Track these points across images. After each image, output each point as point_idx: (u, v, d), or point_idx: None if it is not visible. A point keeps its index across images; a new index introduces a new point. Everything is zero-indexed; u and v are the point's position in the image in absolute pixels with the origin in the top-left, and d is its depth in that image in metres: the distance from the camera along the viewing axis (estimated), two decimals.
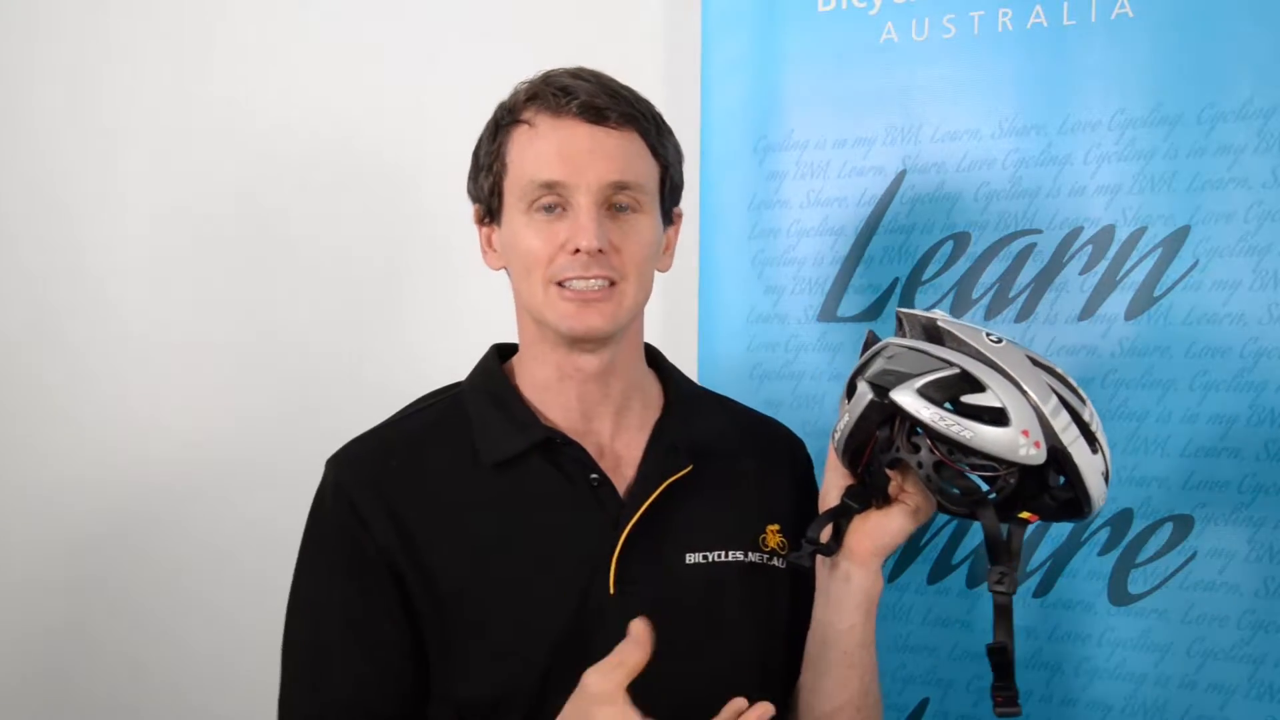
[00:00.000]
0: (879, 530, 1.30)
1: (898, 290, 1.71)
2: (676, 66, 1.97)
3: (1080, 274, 1.61)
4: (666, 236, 1.36)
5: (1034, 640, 1.63)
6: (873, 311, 1.72)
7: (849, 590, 1.31)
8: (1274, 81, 1.50)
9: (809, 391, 1.77)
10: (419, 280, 2.24)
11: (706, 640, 1.28)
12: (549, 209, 1.26)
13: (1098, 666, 1.61)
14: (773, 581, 1.35)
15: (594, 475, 1.29)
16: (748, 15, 1.80)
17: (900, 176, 1.71)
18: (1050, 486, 1.21)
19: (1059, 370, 1.23)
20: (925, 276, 1.69)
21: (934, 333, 1.25)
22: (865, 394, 1.24)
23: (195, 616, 2.37)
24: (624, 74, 1.32)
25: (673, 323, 1.88)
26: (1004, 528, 1.23)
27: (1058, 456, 1.18)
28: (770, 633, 1.36)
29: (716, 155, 1.82)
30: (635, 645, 1.08)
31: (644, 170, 1.29)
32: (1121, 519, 1.59)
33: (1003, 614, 1.23)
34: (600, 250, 1.23)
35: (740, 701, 1.12)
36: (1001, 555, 1.22)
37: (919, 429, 1.22)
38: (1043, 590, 1.64)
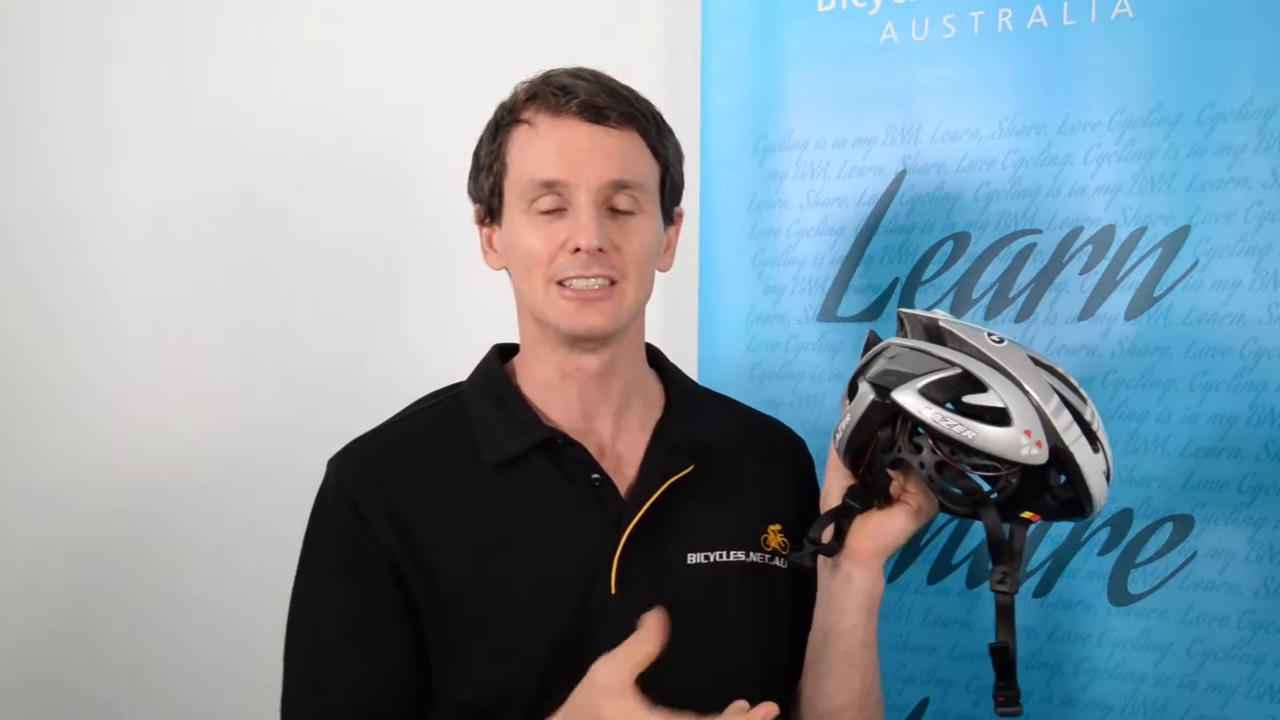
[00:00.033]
0: (881, 530, 1.29)
1: (898, 290, 1.71)
2: (676, 66, 1.97)
3: (1080, 274, 1.61)
4: (667, 236, 1.36)
5: (1034, 640, 1.63)
6: (873, 311, 1.72)
7: (851, 590, 1.31)
8: (1274, 81, 1.50)
9: (809, 391, 1.77)
10: (419, 280, 2.24)
11: (708, 640, 1.28)
12: (549, 208, 1.26)
13: (1098, 666, 1.61)
14: (774, 581, 1.35)
15: (595, 475, 1.29)
16: (748, 15, 1.80)
17: (900, 176, 1.71)
18: (1052, 486, 1.21)
19: (1060, 370, 1.22)
20: (925, 276, 1.69)
21: (935, 333, 1.25)
22: (867, 394, 1.24)
23: (195, 617, 2.37)
24: (624, 74, 1.32)
25: (673, 323, 1.88)
26: (1006, 528, 1.23)
27: (1059, 456, 1.18)
28: (772, 633, 1.36)
29: (716, 155, 1.82)
30: (647, 637, 1.08)
31: (644, 169, 1.28)
32: (1121, 519, 1.59)
33: (1005, 614, 1.23)
34: (600, 249, 1.23)
35: (742, 704, 1.13)
36: (1004, 555, 1.22)
37: (921, 429, 1.22)
38: (1043, 590, 1.64)
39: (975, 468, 1.21)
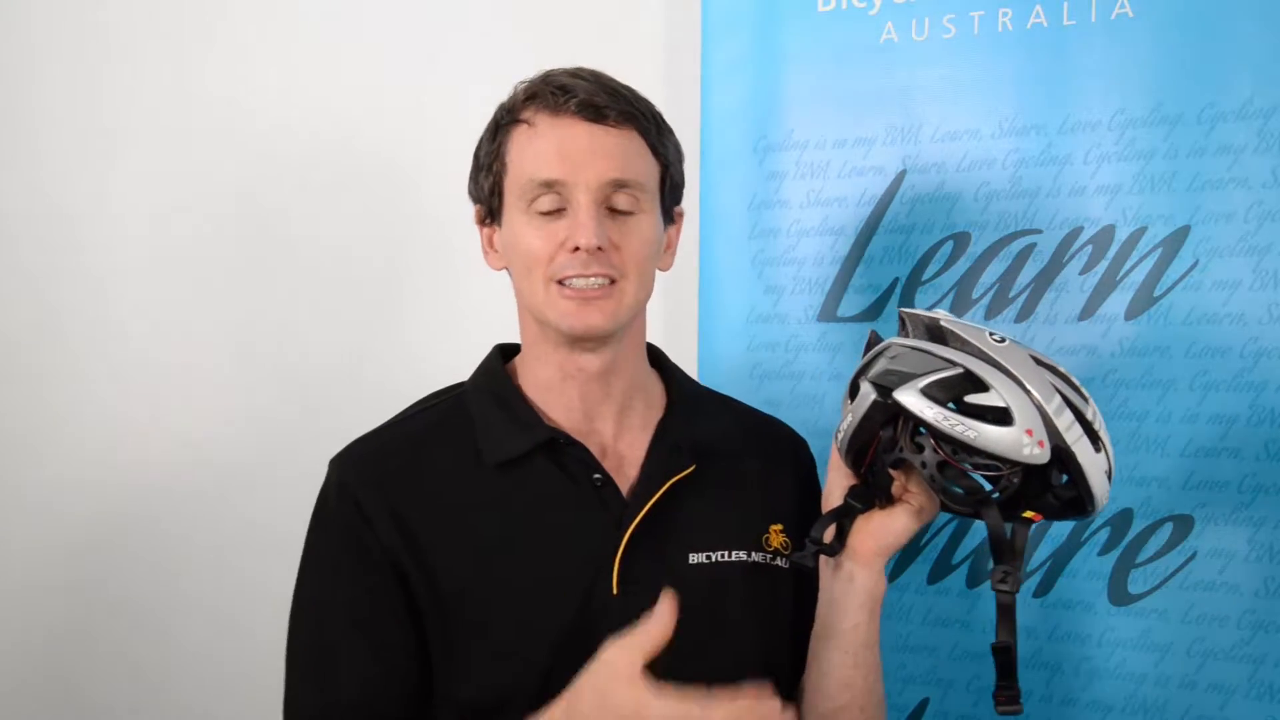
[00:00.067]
0: (882, 530, 1.29)
1: (898, 290, 1.71)
2: (676, 66, 1.97)
3: (1080, 274, 1.61)
4: (668, 235, 1.36)
5: (1034, 640, 1.63)
6: (873, 311, 1.72)
7: (852, 590, 1.31)
8: (1274, 81, 1.50)
9: (809, 391, 1.77)
10: (419, 280, 2.24)
11: (710, 640, 1.27)
12: (549, 208, 1.26)
13: (1098, 666, 1.61)
14: (776, 581, 1.35)
15: (597, 475, 1.29)
16: (748, 15, 1.80)
17: (900, 176, 1.71)
18: (1054, 485, 1.21)
19: (1062, 369, 1.22)
20: (925, 276, 1.69)
21: (937, 332, 1.25)
22: (868, 394, 1.24)
23: (195, 618, 2.37)
24: (624, 74, 1.32)
25: (673, 323, 1.88)
26: (1008, 527, 1.23)
27: (1061, 455, 1.18)
28: (774, 633, 1.36)
29: (716, 155, 1.82)
30: (657, 621, 1.08)
31: (643, 168, 1.28)
32: (1121, 519, 1.59)
33: (1006, 613, 1.23)
34: (600, 248, 1.23)
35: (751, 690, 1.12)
36: (1005, 555, 1.22)
37: (922, 429, 1.22)
38: (1043, 590, 1.64)
39: (977, 467, 1.21)
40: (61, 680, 2.44)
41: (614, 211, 1.26)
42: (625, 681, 1.07)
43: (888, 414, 1.24)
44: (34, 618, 2.45)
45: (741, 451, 1.38)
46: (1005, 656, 1.23)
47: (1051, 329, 1.62)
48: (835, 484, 1.33)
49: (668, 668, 1.09)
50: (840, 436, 1.30)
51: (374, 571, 1.25)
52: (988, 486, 1.23)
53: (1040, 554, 1.64)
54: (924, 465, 1.23)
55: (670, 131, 1.34)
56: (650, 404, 1.37)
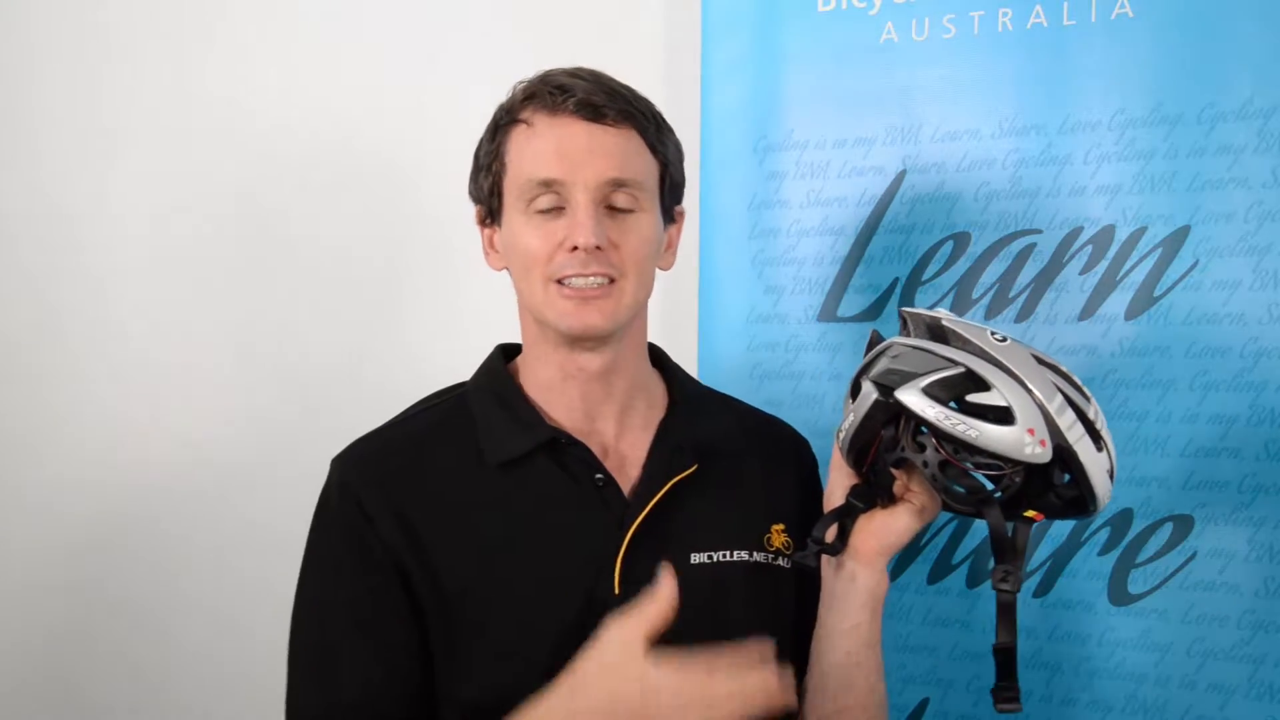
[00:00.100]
0: (884, 529, 1.30)
1: (898, 290, 1.71)
2: (676, 66, 1.97)
3: (1080, 274, 1.61)
4: (668, 234, 1.36)
5: (1034, 640, 1.63)
6: (873, 311, 1.72)
7: (854, 590, 1.31)
8: (1274, 81, 1.51)
9: (809, 391, 1.77)
10: (419, 280, 2.24)
11: (711, 640, 1.28)
12: (547, 207, 1.26)
13: (1098, 666, 1.61)
14: (778, 581, 1.35)
15: (599, 475, 1.29)
16: (748, 15, 1.80)
17: (900, 176, 1.71)
18: (1055, 485, 1.21)
19: (1063, 368, 1.22)
20: (925, 276, 1.70)
21: (938, 332, 1.25)
22: (870, 393, 1.24)
23: (195, 618, 2.37)
24: (624, 74, 1.32)
25: (673, 323, 1.88)
26: (1009, 526, 1.23)
27: (1063, 455, 1.18)
28: (775, 633, 1.35)
29: (716, 155, 1.82)
30: (658, 596, 1.09)
31: (642, 167, 1.28)
32: (1121, 519, 1.59)
33: (1006, 612, 1.23)
34: (598, 247, 1.23)
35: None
36: (1006, 554, 1.22)
37: (924, 428, 1.22)
38: (1043, 590, 1.64)
39: (979, 466, 1.21)
40: (62, 680, 2.44)
41: (613, 211, 1.26)
42: (628, 659, 1.08)
43: (889, 413, 1.24)
44: (34, 618, 2.45)
45: (743, 451, 1.38)
46: (1005, 657, 1.23)
47: (1051, 329, 1.62)
48: (837, 483, 1.34)
49: None
50: (842, 436, 1.30)
51: (376, 571, 1.25)
52: (989, 486, 1.23)
53: (1040, 554, 1.64)
54: (926, 464, 1.23)
55: (670, 130, 1.34)
56: (652, 404, 1.37)
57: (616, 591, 1.26)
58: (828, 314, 1.76)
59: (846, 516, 1.31)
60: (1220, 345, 1.54)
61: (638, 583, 1.24)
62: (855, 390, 1.28)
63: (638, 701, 1.09)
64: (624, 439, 1.34)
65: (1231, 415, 1.54)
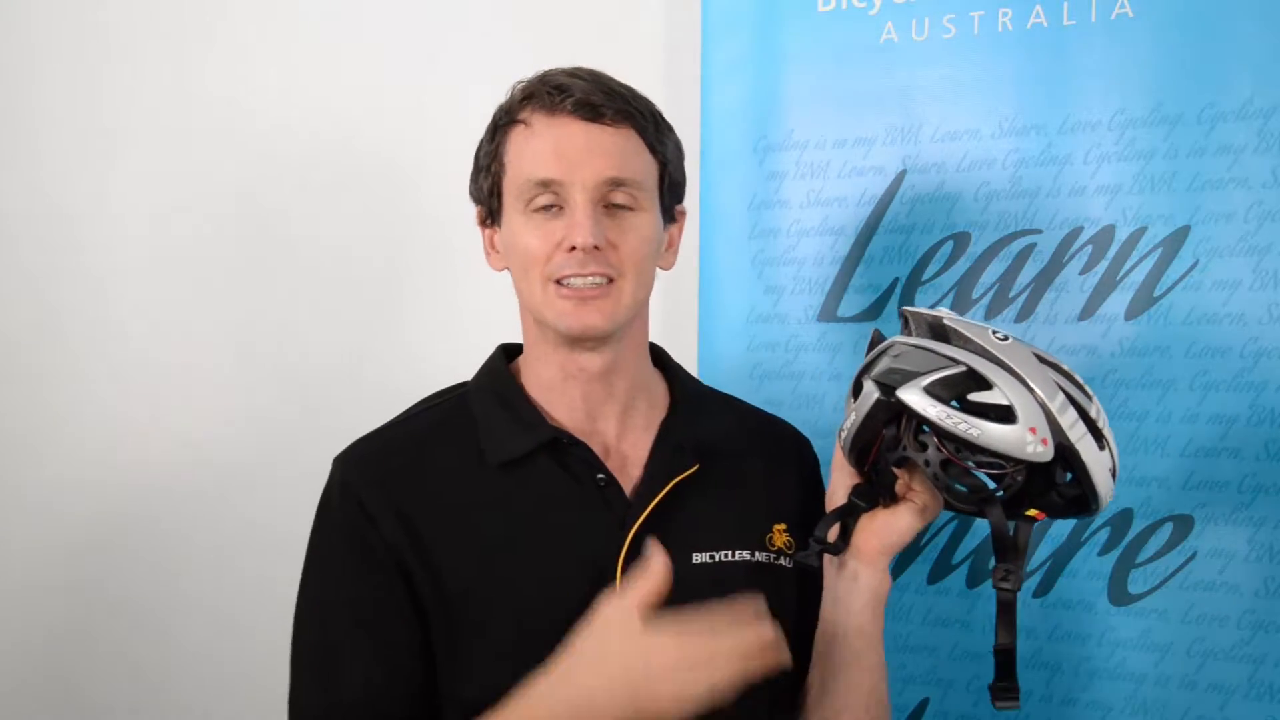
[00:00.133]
0: (886, 529, 1.30)
1: (898, 290, 1.71)
2: (676, 66, 1.97)
3: (1080, 274, 1.61)
4: (669, 234, 1.36)
5: (1034, 640, 1.63)
6: (873, 311, 1.72)
7: (857, 589, 1.31)
8: (1274, 81, 1.51)
9: (809, 391, 1.77)
10: (419, 280, 2.24)
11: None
12: (546, 207, 1.26)
13: (1098, 666, 1.61)
14: (780, 581, 1.34)
15: (600, 475, 1.29)
16: (748, 15, 1.80)
17: (900, 176, 1.71)
18: (1058, 484, 1.21)
19: (1065, 367, 1.22)
20: (925, 276, 1.70)
21: (940, 331, 1.25)
22: (872, 393, 1.24)
23: (195, 618, 2.37)
24: (624, 74, 1.32)
25: (673, 323, 1.88)
26: (1011, 525, 1.23)
27: (1065, 454, 1.18)
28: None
29: (716, 155, 1.82)
30: (651, 572, 1.10)
31: (640, 167, 1.28)
32: (1121, 519, 1.60)
33: (1006, 611, 1.23)
34: (596, 247, 1.23)
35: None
36: (1008, 552, 1.22)
37: (926, 427, 1.22)
38: (1043, 590, 1.64)
39: (980, 465, 1.21)
40: (62, 680, 2.44)
41: (611, 211, 1.26)
42: (625, 631, 1.10)
43: (891, 412, 1.24)
44: (34, 618, 2.45)
45: (745, 451, 1.38)
46: (1005, 657, 1.23)
47: (1051, 329, 1.62)
48: (839, 483, 1.34)
49: None
50: (844, 435, 1.30)
51: (378, 570, 1.25)
52: (991, 485, 1.23)
53: (1040, 554, 1.64)
54: (927, 464, 1.23)
55: (670, 130, 1.34)
56: (653, 404, 1.37)
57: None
58: (828, 314, 1.76)
59: (848, 516, 1.31)
60: (1220, 345, 1.54)
61: None
62: (857, 389, 1.28)
63: (639, 670, 1.10)
64: (625, 439, 1.34)
65: (1231, 415, 1.54)
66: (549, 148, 1.25)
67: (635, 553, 1.26)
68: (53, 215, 2.41)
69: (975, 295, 1.67)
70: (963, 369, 1.19)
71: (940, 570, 1.70)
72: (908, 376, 1.21)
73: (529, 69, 1.32)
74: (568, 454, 1.30)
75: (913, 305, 1.60)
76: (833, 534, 1.31)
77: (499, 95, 1.32)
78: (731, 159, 1.81)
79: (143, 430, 2.38)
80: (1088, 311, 1.61)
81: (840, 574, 1.32)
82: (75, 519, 2.42)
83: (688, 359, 1.69)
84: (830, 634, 1.33)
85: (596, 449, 1.31)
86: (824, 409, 1.74)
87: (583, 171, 1.24)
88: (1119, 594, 1.60)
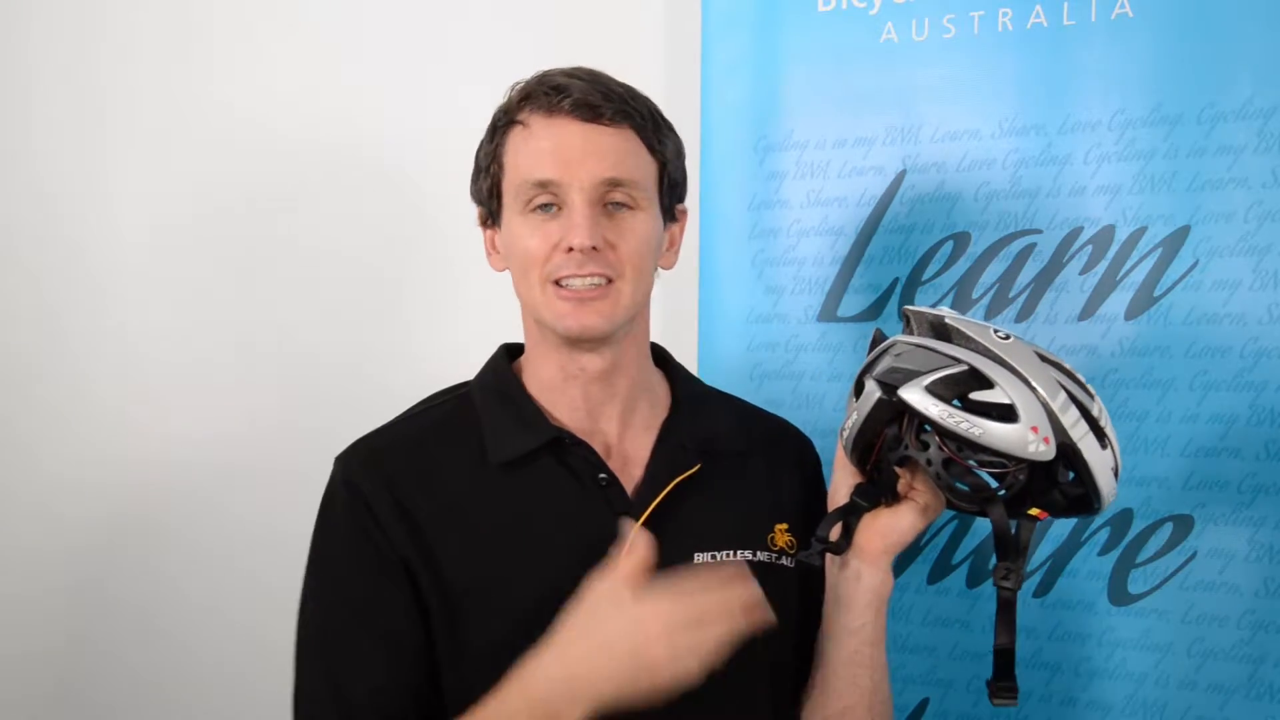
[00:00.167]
0: (888, 528, 1.30)
1: (898, 290, 1.71)
2: (676, 66, 1.97)
3: (1080, 274, 1.61)
4: (670, 234, 1.35)
5: (1034, 640, 1.63)
6: (873, 311, 1.72)
7: (859, 589, 1.31)
8: (1274, 81, 1.51)
9: (809, 391, 1.77)
10: (419, 280, 2.24)
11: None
12: (545, 208, 1.26)
13: (1098, 666, 1.61)
14: (782, 580, 1.34)
15: (602, 475, 1.29)
16: (748, 15, 1.80)
17: (900, 176, 1.71)
18: (1060, 483, 1.21)
19: (1067, 366, 1.23)
20: (925, 276, 1.70)
21: (942, 330, 1.25)
22: (873, 392, 1.24)
23: (195, 619, 2.37)
24: (624, 74, 1.32)
25: (673, 323, 1.87)
26: (1013, 524, 1.23)
27: (1067, 452, 1.18)
28: (780, 632, 1.35)
29: (716, 155, 1.82)
30: (634, 548, 1.12)
31: (639, 167, 1.28)
32: (1121, 519, 1.60)
33: (1006, 609, 1.23)
34: (595, 248, 1.23)
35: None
36: (1009, 551, 1.22)
37: (927, 426, 1.22)
38: (1043, 590, 1.64)
39: (982, 464, 1.21)
40: (62, 680, 2.44)
41: (611, 211, 1.26)
42: (614, 602, 1.10)
43: (893, 411, 1.24)
44: (34, 618, 2.45)
45: (747, 451, 1.38)
46: (1005, 656, 1.23)
47: (1051, 329, 1.62)
48: (841, 482, 1.34)
49: None
50: (845, 434, 1.30)
51: (381, 569, 1.25)
52: (993, 484, 1.23)
53: (1040, 554, 1.64)
54: (929, 463, 1.23)
55: (670, 129, 1.34)
56: (655, 403, 1.37)
57: None
58: (828, 314, 1.76)
59: (851, 515, 1.31)
60: (1220, 345, 1.54)
61: None
62: (859, 389, 1.28)
63: (633, 637, 1.10)
64: (627, 439, 1.34)
65: (1231, 415, 1.54)
66: (547, 148, 1.25)
67: None
68: (53, 215, 2.41)
69: (975, 295, 1.67)
70: (964, 368, 1.19)
71: (940, 570, 1.70)
72: (909, 375, 1.21)
73: (529, 69, 1.32)
74: (569, 454, 1.30)
75: (913, 305, 1.60)
76: (835, 533, 1.31)
77: (499, 96, 1.32)
78: (731, 159, 1.81)
79: (143, 431, 2.37)
80: (1088, 311, 1.61)
81: (842, 573, 1.32)
82: (75, 519, 2.41)
83: (688, 359, 1.69)
84: (832, 633, 1.33)
85: (598, 449, 1.31)
86: (824, 409, 1.74)
87: (580, 172, 1.24)
88: (1119, 594, 1.60)
